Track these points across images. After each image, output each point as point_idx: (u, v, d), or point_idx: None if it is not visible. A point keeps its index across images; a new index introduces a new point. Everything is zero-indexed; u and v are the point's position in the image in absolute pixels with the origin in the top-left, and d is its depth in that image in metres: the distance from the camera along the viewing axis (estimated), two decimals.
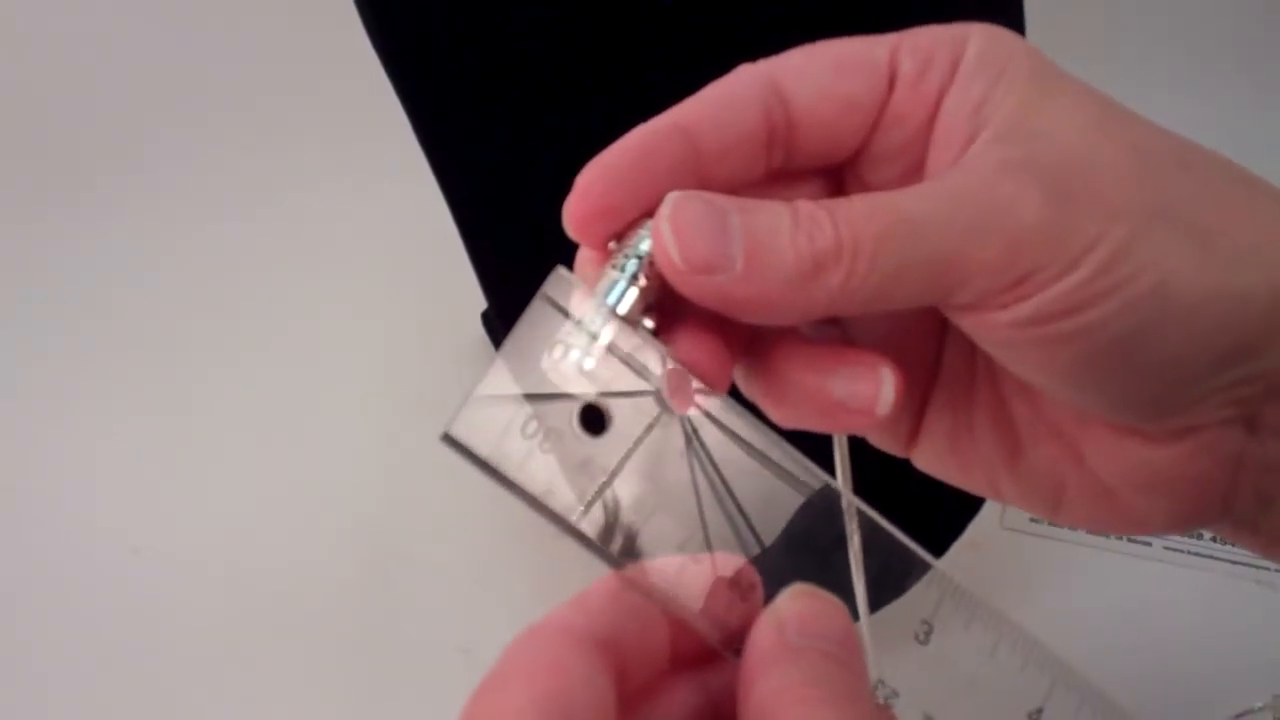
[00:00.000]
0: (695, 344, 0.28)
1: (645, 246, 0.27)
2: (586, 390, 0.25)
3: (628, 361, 0.26)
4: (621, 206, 0.27)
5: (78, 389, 0.86)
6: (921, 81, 0.29)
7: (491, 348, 0.81)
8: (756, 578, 0.27)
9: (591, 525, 0.26)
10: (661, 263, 0.26)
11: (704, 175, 0.28)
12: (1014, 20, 0.64)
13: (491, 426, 0.24)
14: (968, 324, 0.28)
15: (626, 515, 0.26)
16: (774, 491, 0.28)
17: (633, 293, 0.27)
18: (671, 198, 0.26)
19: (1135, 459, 0.29)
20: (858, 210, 0.26)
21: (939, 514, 0.64)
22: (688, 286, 0.26)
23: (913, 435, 0.33)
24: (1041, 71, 0.28)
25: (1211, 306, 0.26)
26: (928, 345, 0.33)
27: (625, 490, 0.25)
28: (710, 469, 0.27)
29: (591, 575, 0.26)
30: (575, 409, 0.25)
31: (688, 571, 0.27)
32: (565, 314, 0.25)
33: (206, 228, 0.92)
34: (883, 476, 0.37)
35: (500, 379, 0.25)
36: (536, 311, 0.25)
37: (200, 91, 0.99)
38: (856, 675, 0.25)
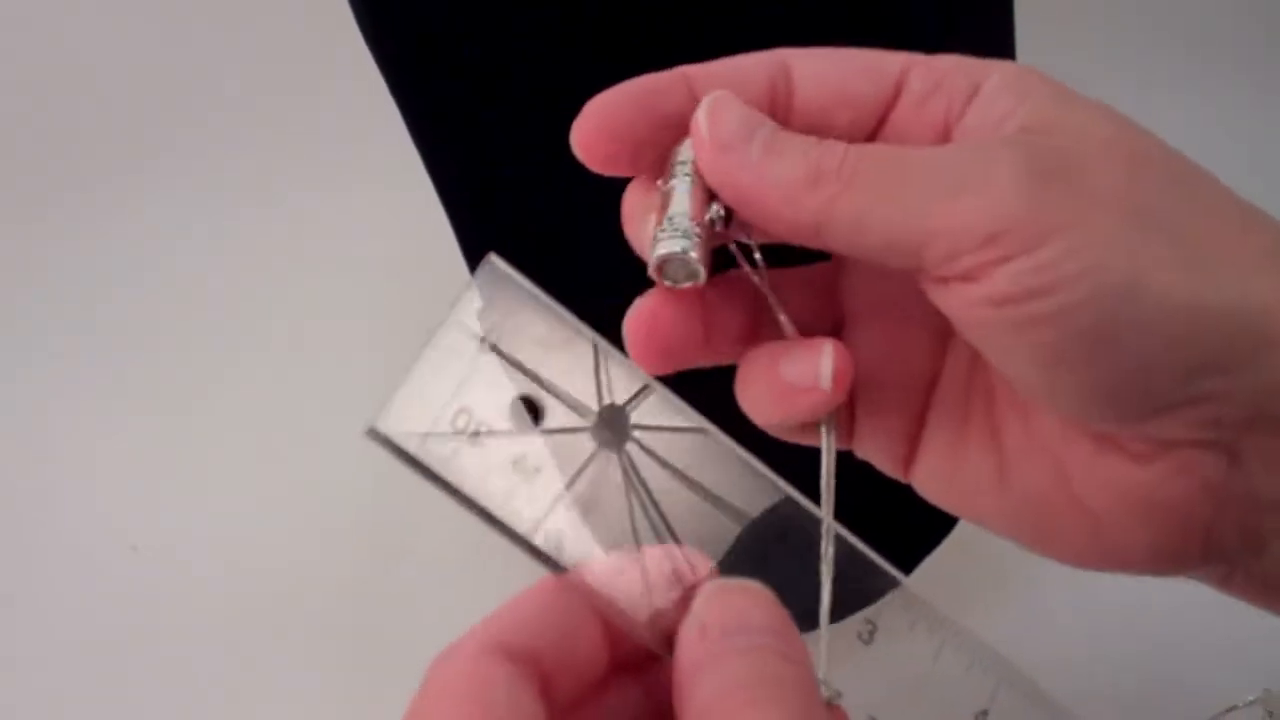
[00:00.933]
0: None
1: (689, 154, 0.30)
2: (522, 381, 0.25)
3: (562, 396, 0.26)
4: (620, 133, 0.30)
5: (76, 388, 0.86)
6: (928, 101, 0.30)
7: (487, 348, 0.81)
8: (696, 578, 0.27)
9: (527, 525, 0.25)
10: (695, 142, 0.29)
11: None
12: (1004, 31, 0.64)
13: (419, 420, 0.24)
14: (944, 300, 0.28)
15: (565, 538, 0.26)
16: (712, 521, 0.27)
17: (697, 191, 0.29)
18: (714, 94, 0.29)
19: (1116, 477, 0.29)
20: (869, 148, 0.28)
21: (913, 528, 0.63)
22: (712, 164, 0.29)
23: (910, 455, 0.34)
24: (1065, 95, 0.29)
25: (1182, 314, 0.26)
26: (927, 362, 0.33)
27: (561, 521, 0.25)
28: (647, 501, 0.27)
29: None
30: (508, 402, 0.25)
31: (626, 573, 0.26)
32: (488, 316, 0.25)
33: (205, 229, 0.92)
34: (862, 490, 0.37)
35: (430, 373, 0.24)
36: (465, 304, 0.25)
37: (198, 94, 0.99)
38: (793, 661, 0.25)
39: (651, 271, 0.30)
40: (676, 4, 0.57)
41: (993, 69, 0.30)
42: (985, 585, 0.71)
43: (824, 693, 0.28)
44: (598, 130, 0.30)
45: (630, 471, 0.27)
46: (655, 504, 0.27)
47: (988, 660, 0.29)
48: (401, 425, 0.24)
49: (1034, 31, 0.72)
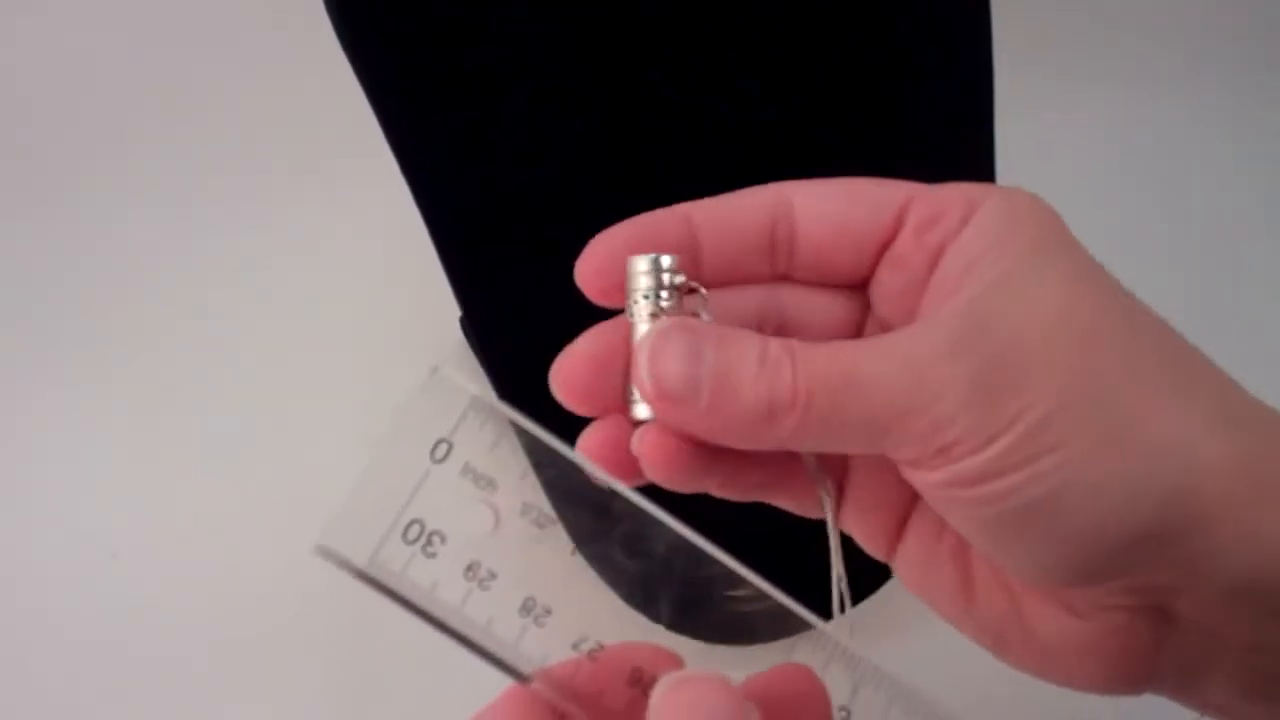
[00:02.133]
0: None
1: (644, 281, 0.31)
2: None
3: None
4: (619, 278, 0.32)
5: (56, 392, 0.85)
6: (928, 231, 0.31)
7: (470, 353, 0.81)
8: (657, 672, 0.27)
9: (490, 638, 0.25)
10: (638, 387, 0.30)
11: (701, 264, 0.32)
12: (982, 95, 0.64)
13: (369, 534, 0.24)
14: (906, 474, 0.31)
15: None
16: None
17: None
18: (653, 329, 0.30)
19: (1064, 626, 0.32)
20: (818, 365, 0.29)
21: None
22: (663, 413, 0.30)
23: (890, 551, 0.36)
24: (1041, 243, 0.30)
25: (1112, 493, 0.28)
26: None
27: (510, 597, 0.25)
28: None
29: (575, 576, 0.28)
30: (465, 511, 0.25)
31: (584, 670, 0.27)
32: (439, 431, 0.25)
33: (187, 233, 0.92)
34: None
35: (376, 482, 0.24)
36: (413, 410, 0.25)
37: (182, 97, 0.98)
38: None
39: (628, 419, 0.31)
40: (674, 4, 0.57)
41: (987, 199, 0.31)
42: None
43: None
44: (597, 273, 0.32)
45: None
46: None
47: (907, 699, 0.29)
48: (350, 539, 0.23)
49: (1033, 36, 0.71)
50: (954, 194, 0.31)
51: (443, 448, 0.25)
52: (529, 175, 0.61)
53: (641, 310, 0.30)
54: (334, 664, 0.74)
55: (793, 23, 0.59)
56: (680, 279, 0.31)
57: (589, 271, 0.32)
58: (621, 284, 0.32)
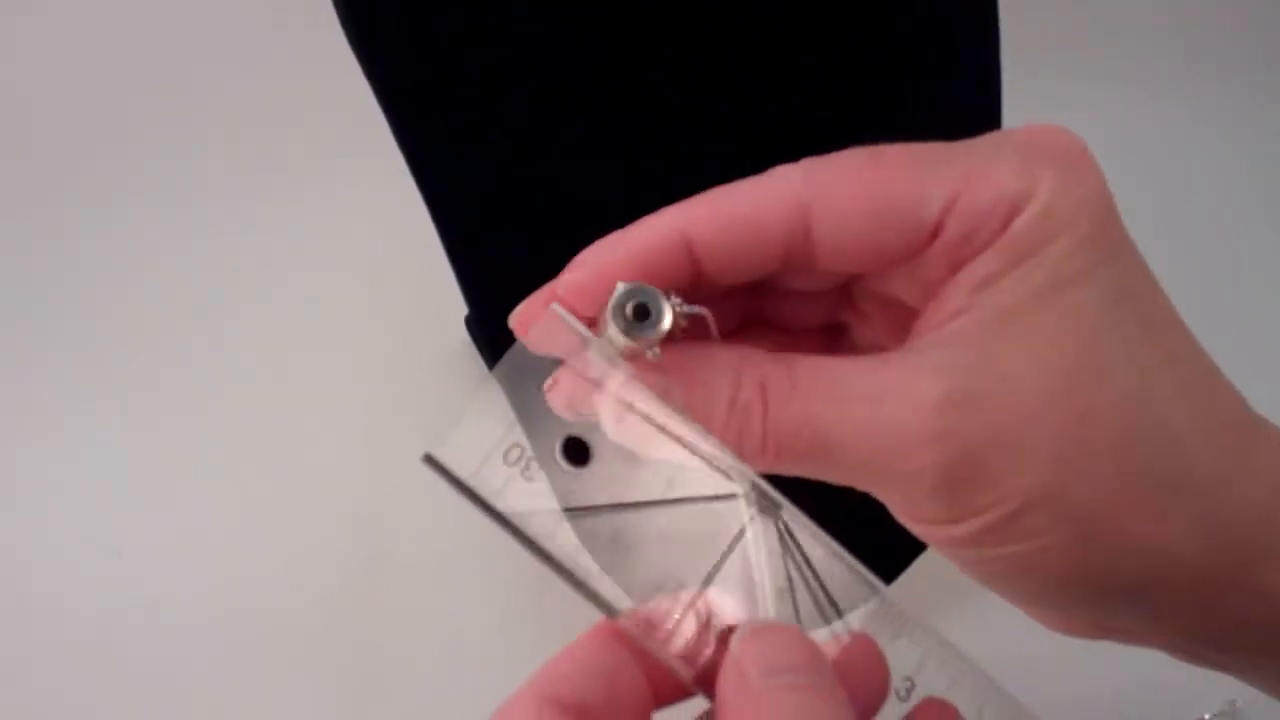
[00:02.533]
0: None
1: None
2: (573, 420, 0.25)
3: (713, 462, 0.26)
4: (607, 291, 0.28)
5: (59, 391, 0.85)
6: (961, 247, 0.28)
7: (475, 353, 0.81)
8: (734, 620, 0.27)
9: (578, 566, 0.25)
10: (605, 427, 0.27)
11: (698, 283, 0.29)
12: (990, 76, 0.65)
13: (474, 451, 0.24)
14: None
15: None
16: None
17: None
18: (608, 391, 0.27)
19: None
20: (787, 424, 0.28)
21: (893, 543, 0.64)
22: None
23: None
24: (1068, 266, 0.28)
25: (1079, 583, 0.28)
26: None
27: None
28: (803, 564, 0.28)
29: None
30: (559, 440, 0.25)
31: (664, 617, 0.27)
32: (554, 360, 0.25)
33: (191, 232, 0.92)
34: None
35: (488, 403, 0.24)
36: (532, 340, 0.25)
37: (184, 96, 0.98)
38: (832, 700, 0.25)
39: None
40: (674, 5, 0.57)
41: (1033, 198, 0.28)
42: (967, 592, 0.72)
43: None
44: (581, 291, 0.28)
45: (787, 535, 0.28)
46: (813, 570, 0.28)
47: (971, 679, 0.29)
48: (457, 454, 0.24)
49: (1034, 37, 0.72)
50: (1000, 191, 0.28)
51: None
52: (532, 174, 0.61)
53: (617, 341, 0.27)
54: (335, 663, 0.74)
55: (793, 23, 0.60)
56: (664, 326, 0.27)
57: (576, 287, 0.28)
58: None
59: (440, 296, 0.72)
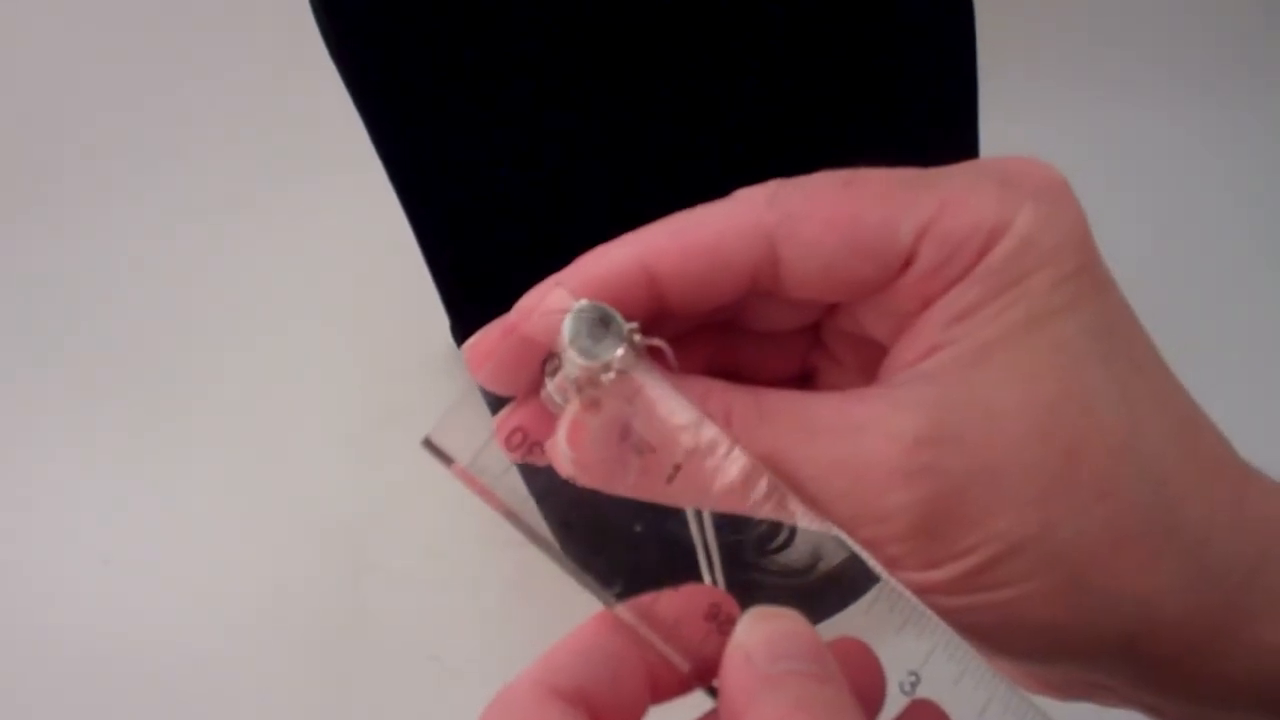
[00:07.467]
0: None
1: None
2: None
3: None
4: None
5: (48, 401, 0.85)
6: (935, 276, 0.27)
7: (461, 360, 0.81)
8: (735, 610, 0.26)
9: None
10: (558, 469, 0.26)
11: (659, 317, 0.27)
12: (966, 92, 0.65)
13: (473, 435, 0.23)
14: None
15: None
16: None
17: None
18: (567, 415, 0.25)
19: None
20: (752, 454, 0.26)
21: None
22: (581, 481, 0.26)
23: None
24: (1048, 300, 0.27)
25: (1060, 634, 0.27)
26: None
27: None
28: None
29: (558, 585, 0.26)
30: (564, 426, 0.25)
31: (663, 600, 0.26)
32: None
33: (178, 243, 0.92)
34: None
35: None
36: (533, 325, 0.25)
37: (171, 104, 0.98)
38: (837, 687, 0.25)
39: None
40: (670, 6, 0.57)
41: (1010, 227, 0.26)
42: None
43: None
44: (535, 322, 0.26)
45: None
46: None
47: (979, 671, 0.28)
48: (456, 438, 0.23)
49: (1034, 39, 0.72)
50: (977, 219, 0.26)
51: (554, 362, 0.25)
52: (525, 176, 0.61)
53: (573, 365, 0.25)
54: (324, 666, 0.74)
55: (792, 23, 0.60)
56: (621, 341, 0.25)
57: (530, 327, 0.26)
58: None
59: (427, 305, 0.72)
